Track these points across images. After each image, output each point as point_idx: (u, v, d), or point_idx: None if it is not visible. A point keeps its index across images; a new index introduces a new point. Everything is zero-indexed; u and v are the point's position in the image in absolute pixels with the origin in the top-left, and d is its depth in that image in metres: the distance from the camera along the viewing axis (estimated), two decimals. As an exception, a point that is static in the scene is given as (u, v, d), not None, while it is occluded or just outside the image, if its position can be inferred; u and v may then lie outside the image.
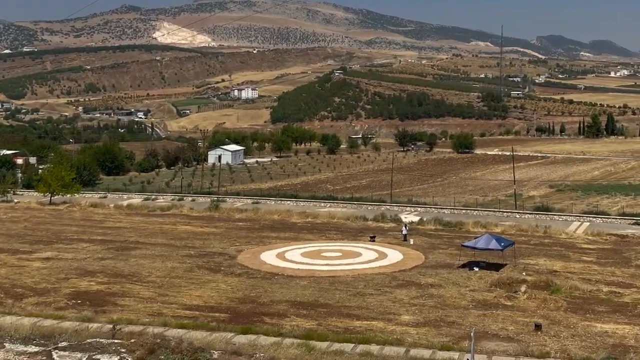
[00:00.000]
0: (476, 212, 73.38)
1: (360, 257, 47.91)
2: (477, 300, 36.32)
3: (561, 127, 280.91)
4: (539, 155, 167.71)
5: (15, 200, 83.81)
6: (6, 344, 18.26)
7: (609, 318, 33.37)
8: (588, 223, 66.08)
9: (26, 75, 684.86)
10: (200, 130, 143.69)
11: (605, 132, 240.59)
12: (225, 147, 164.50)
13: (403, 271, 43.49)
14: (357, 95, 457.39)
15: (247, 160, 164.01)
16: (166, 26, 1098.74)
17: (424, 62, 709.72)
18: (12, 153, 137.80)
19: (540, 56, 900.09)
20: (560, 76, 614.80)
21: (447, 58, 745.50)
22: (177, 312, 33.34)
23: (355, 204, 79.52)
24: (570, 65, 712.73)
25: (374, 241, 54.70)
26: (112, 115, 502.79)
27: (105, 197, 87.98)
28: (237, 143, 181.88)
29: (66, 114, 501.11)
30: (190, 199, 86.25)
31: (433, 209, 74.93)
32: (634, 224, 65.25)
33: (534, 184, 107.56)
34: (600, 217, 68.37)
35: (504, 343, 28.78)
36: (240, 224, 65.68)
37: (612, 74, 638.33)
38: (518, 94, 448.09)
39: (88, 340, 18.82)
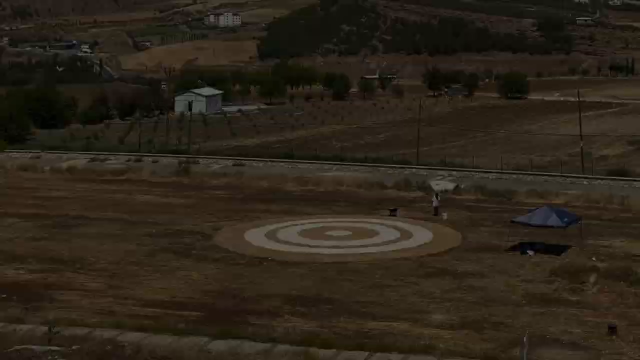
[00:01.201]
0: (531, 177, 73.20)
1: (377, 237, 47.88)
2: (532, 294, 36.28)
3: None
4: (614, 101, 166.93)
5: None
6: None
7: None
8: (679, 192, 65.87)
9: None
10: (165, 68, 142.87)
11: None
12: (197, 90, 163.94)
13: (433, 255, 43.45)
14: (373, 23, 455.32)
15: (226, 109, 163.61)
16: None
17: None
18: None
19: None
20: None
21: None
22: (133, 310, 33.29)
23: (370, 166, 79.40)
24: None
25: (395, 216, 54.63)
26: (48, 48, 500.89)
27: (38, 158, 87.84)
28: (213, 86, 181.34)
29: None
30: (151, 159, 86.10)
31: (473, 174, 74.71)
32: None
33: (607, 140, 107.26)
34: (696, 184, 68.12)
35: (568, 351, 28.74)
36: (218, 192, 65.66)
37: None
38: (586, 20, 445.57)
39: (16, 347, 18.82)
